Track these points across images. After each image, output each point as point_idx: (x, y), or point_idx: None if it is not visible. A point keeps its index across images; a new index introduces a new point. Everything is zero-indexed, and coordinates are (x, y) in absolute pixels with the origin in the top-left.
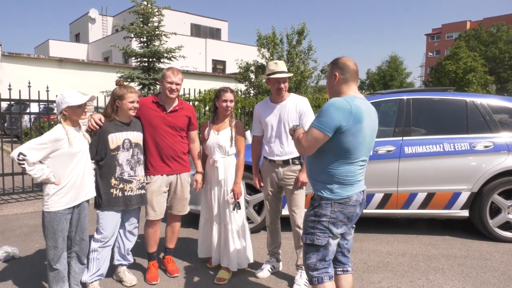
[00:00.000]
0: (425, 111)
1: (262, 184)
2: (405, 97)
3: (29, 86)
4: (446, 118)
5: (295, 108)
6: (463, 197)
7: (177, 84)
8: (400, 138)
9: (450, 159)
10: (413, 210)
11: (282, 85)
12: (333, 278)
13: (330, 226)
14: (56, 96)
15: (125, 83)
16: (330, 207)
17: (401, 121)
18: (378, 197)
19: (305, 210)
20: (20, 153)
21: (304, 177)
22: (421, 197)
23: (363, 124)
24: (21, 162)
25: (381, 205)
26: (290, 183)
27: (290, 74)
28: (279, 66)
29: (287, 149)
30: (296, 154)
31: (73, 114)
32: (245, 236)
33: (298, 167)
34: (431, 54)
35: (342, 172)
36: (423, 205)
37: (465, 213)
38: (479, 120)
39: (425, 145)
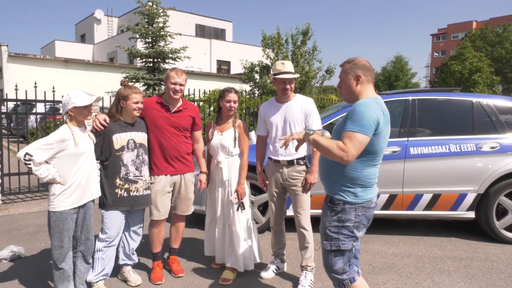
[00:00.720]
0: (431, 112)
1: (267, 182)
2: (410, 98)
3: (35, 87)
4: (452, 118)
5: (301, 109)
6: (469, 199)
7: (180, 84)
8: (406, 138)
9: (456, 160)
10: (418, 211)
11: (288, 86)
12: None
13: (354, 230)
14: (62, 96)
15: (130, 84)
16: (354, 211)
17: (406, 122)
18: (383, 198)
19: (311, 211)
20: (27, 153)
21: (312, 178)
22: (426, 198)
23: (388, 125)
24: (27, 162)
25: (386, 206)
26: (294, 184)
27: (297, 75)
28: (286, 67)
29: (292, 149)
30: (301, 155)
31: (79, 114)
32: (251, 236)
33: (303, 167)
34: (437, 54)
35: (365, 175)
36: (429, 206)
37: (471, 214)
38: (485, 120)
39: (430, 146)
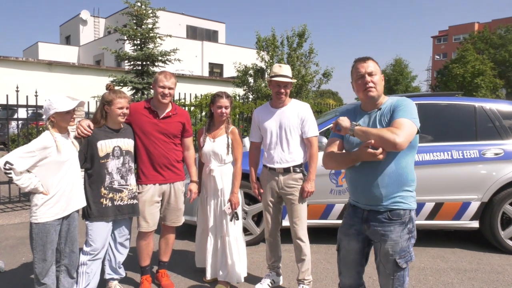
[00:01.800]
0: (432, 117)
1: (262, 191)
2: None
3: (17, 91)
4: (454, 124)
5: (297, 114)
6: (473, 207)
7: (169, 88)
8: None
9: (458, 167)
10: (420, 221)
11: (283, 90)
12: None
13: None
14: (44, 101)
15: (116, 88)
16: (414, 217)
17: None
18: None
19: (308, 221)
20: (7, 162)
21: (309, 187)
22: (428, 207)
23: None
24: (7, 171)
25: None
26: (291, 193)
27: (292, 80)
28: (283, 70)
29: (287, 156)
30: (298, 162)
31: (61, 120)
32: (242, 247)
33: (300, 175)
34: (438, 57)
35: (414, 173)
36: (431, 216)
37: (475, 224)
38: (489, 126)
39: (432, 152)
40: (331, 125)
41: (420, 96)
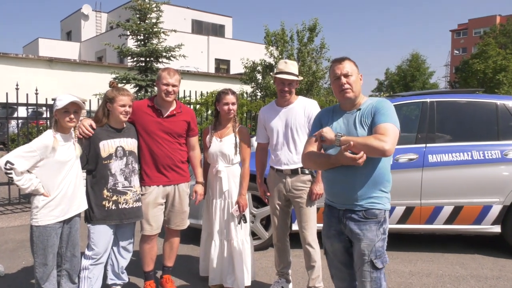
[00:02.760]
0: (451, 115)
1: (269, 194)
2: (428, 100)
3: (16, 89)
4: (475, 123)
5: (304, 112)
6: (495, 211)
7: (173, 85)
8: (423, 145)
9: (479, 168)
10: (438, 225)
11: (287, 88)
12: None
13: None
14: (46, 99)
15: (119, 85)
16: (388, 218)
17: (424, 127)
18: (399, 211)
19: (318, 225)
20: (8, 162)
21: (318, 189)
22: (447, 210)
23: None
24: (8, 171)
25: (402, 220)
26: (299, 195)
27: (297, 78)
28: (288, 67)
29: (295, 157)
30: None
31: (60, 119)
32: (249, 252)
33: (308, 177)
34: (457, 52)
35: (390, 174)
36: (450, 220)
37: (497, 228)
38: (511, 125)
39: (451, 153)
40: (314, 136)
41: (438, 93)
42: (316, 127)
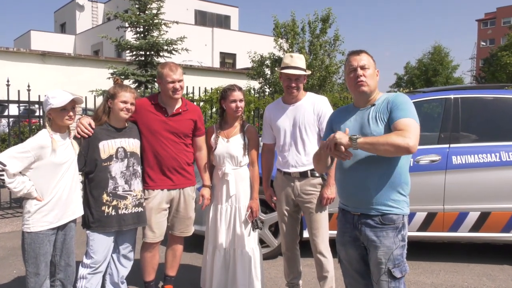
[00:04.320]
0: (477, 113)
1: (275, 198)
2: (452, 96)
3: (7, 85)
4: (503, 121)
5: (313, 110)
6: None
7: (179, 81)
8: (447, 145)
9: (508, 170)
10: (463, 233)
11: (293, 84)
12: None
13: None
14: (39, 96)
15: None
16: (407, 224)
17: (447, 125)
18: (420, 217)
19: (330, 233)
20: (0, 163)
21: (329, 193)
22: (473, 217)
23: None
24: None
25: (423, 227)
26: (309, 200)
27: (304, 72)
28: (294, 61)
29: (304, 158)
30: None
31: (57, 117)
32: (257, 262)
33: (318, 180)
34: (484, 43)
35: (408, 175)
36: (476, 227)
37: None
38: None
39: (477, 154)
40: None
41: (463, 89)
42: (328, 131)
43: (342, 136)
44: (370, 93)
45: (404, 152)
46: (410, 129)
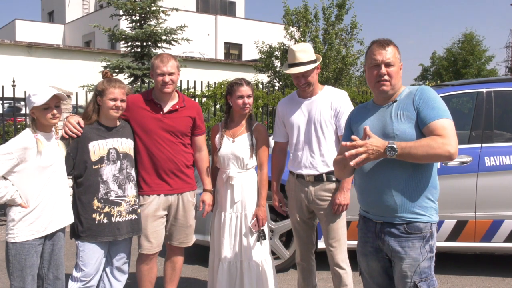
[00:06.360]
0: None
1: (281, 205)
2: (484, 90)
3: None
4: None
5: (330, 105)
6: None
7: (170, 74)
8: (479, 145)
9: None
10: (497, 244)
11: (303, 81)
12: None
13: None
14: (25, 92)
15: (114, 76)
16: (435, 233)
17: (479, 122)
18: (449, 225)
19: (348, 242)
20: None
21: (342, 198)
22: (508, 225)
23: None
24: None
25: (453, 236)
26: (324, 207)
27: (311, 66)
28: (298, 56)
29: (319, 159)
30: (332, 167)
31: (40, 116)
32: (268, 276)
33: (334, 184)
34: None
35: (436, 178)
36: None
37: None
38: None
39: None
40: (347, 143)
41: (497, 81)
42: (347, 132)
43: (379, 143)
44: (392, 92)
45: (444, 160)
46: (447, 133)
